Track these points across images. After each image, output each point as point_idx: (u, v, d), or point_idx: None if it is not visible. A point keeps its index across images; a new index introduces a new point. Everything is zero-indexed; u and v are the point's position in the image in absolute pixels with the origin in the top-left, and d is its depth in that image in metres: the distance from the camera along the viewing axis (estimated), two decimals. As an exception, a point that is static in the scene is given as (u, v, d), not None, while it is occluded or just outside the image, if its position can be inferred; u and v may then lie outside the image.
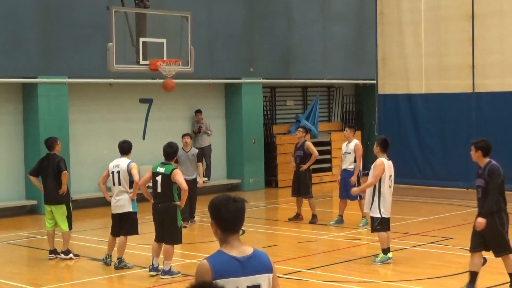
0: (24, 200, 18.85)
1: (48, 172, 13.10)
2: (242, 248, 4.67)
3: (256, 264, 4.66)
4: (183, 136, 16.23)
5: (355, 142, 15.85)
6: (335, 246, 14.09)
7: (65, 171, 13.00)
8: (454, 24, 20.25)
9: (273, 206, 20.48)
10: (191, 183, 15.23)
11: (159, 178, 11.56)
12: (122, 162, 12.34)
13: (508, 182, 19.07)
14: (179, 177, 11.47)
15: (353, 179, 15.57)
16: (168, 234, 11.55)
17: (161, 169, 11.60)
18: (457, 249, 13.11)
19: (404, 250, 13.10)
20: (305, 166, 16.35)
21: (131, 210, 12.26)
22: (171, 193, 11.52)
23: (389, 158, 12.27)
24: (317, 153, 16.48)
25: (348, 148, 15.85)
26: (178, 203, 11.52)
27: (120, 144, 12.63)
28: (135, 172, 12.19)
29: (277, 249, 13.97)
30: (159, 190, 11.58)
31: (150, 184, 11.86)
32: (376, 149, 12.27)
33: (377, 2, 21.90)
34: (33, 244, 15.16)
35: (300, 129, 16.97)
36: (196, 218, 16.61)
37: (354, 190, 13.48)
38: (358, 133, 25.97)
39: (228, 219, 4.62)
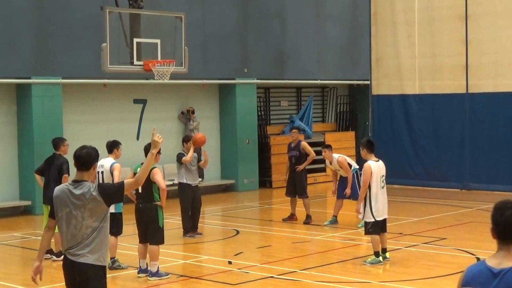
0: (18, 200, 18.83)
1: (50, 172, 13.05)
2: (505, 260, 4.25)
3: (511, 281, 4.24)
4: (189, 141, 15.01)
5: (336, 159, 15.78)
6: (329, 246, 14.09)
7: (66, 175, 12.91)
8: (447, 24, 20.27)
9: (267, 206, 20.49)
10: (194, 189, 14.97)
11: None
12: (106, 162, 12.32)
13: (505, 183, 19.33)
14: (158, 176, 11.43)
15: (348, 191, 15.58)
16: (150, 234, 11.52)
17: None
18: (451, 250, 13.14)
19: (398, 250, 13.12)
20: (301, 167, 16.33)
21: (114, 211, 12.18)
22: (151, 193, 11.48)
23: (378, 158, 12.27)
24: (314, 154, 16.48)
25: (333, 166, 15.88)
26: (158, 203, 11.49)
27: (106, 143, 12.66)
28: (116, 173, 12.09)
29: (271, 249, 13.98)
30: (140, 190, 11.57)
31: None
32: (362, 152, 12.25)
33: (371, 3, 21.91)
34: (27, 244, 15.15)
35: (295, 130, 16.97)
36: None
37: (357, 209, 12.59)
38: (352, 133, 26.11)
39: (499, 225, 4.27)
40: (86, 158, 6.57)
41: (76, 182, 6.49)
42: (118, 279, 11.70)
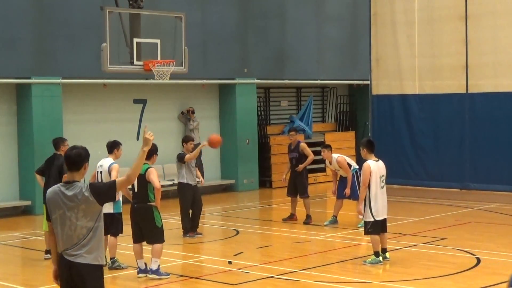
0: (18, 200, 18.83)
1: (50, 171, 13.04)
2: None
3: None
4: (189, 141, 15.01)
5: (335, 159, 15.79)
6: (329, 246, 14.09)
7: (66, 174, 12.89)
8: (447, 24, 20.28)
9: (267, 206, 20.49)
10: (194, 189, 14.97)
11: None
12: (106, 163, 12.31)
13: (505, 183, 19.35)
14: (153, 175, 11.42)
15: (347, 191, 15.61)
16: (148, 235, 11.53)
17: None
18: (451, 250, 13.14)
19: (398, 250, 13.12)
20: (300, 168, 16.32)
21: (112, 211, 12.17)
22: (146, 193, 11.47)
23: (378, 158, 12.27)
24: (312, 156, 16.46)
25: (333, 166, 15.90)
26: (153, 203, 11.48)
27: (107, 143, 12.65)
28: (114, 174, 12.01)
29: (271, 249, 13.98)
30: (136, 190, 11.59)
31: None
32: (363, 152, 12.24)
33: (371, 3, 21.92)
34: (27, 244, 15.14)
35: (292, 132, 16.86)
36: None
37: (359, 211, 12.40)
38: (352, 133, 26.11)
39: None
40: (76, 158, 6.57)
41: (68, 183, 6.49)
42: (118, 279, 11.70)
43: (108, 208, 12.20)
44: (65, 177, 12.77)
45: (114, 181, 6.55)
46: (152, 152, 11.79)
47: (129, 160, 12.60)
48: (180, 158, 14.75)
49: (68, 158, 6.59)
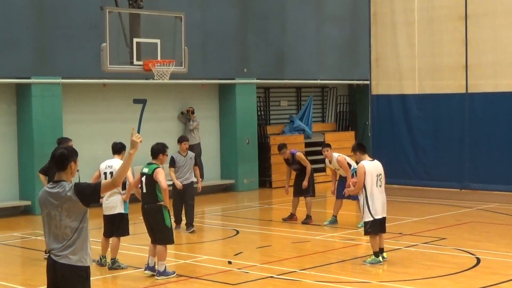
0: (18, 200, 18.83)
1: (52, 171, 12.96)
2: None
3: None
4: (182, 141, 15.52)
5: (335, 158, 15.80)
6: (329, 246, 14.10)
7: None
8: (447, 24, 20.29)
9: (267, 206, 20.49)
10: (188, 186, 15.27)
11: (144, 179, 11.61)
12: (116, 163, 12.27)
13: (505, 183, 19.34)
14: (160, 176, 11.46)
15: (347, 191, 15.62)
16: (157, 235, 11.56)
17: (145, 170, 11.66)
18: (451, 249, 13.15)
19: (397, 250, 13.13)
20: (305, 183, 16.20)
21: (122, 211, 12.21)
22: (154, 193, 11.50)
23: (373, 158, 12.30)
24: (310, 166, 16.43)
25: (333, 165, 15.91)
26: (162, 203, 11.50)
27: (113, 144, 12.61)
28: (129, 174, 12.08)
29: (271, 249, 13.98)
30: (144, 190, 11.63)
31: None
32: (356, 156, 12.35)
33: (371, 3, 21.93)
34: (27, 244, 15.15)
35: (283, 150, 16.61)
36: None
37: (348, 184, 13.15)
38: (352, 133, 26.11)
39: None
40: (59, 159, 6.59)
41: (55, 183, 6.54)
42: (118, 279, 11.70)
43: (119, 208, 12.22)
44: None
45: (99, 183, 6.56)
46: (158, 152, 11.81)
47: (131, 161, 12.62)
48: (170, 163, 15.24)
49: (52, 159, 6.66)
